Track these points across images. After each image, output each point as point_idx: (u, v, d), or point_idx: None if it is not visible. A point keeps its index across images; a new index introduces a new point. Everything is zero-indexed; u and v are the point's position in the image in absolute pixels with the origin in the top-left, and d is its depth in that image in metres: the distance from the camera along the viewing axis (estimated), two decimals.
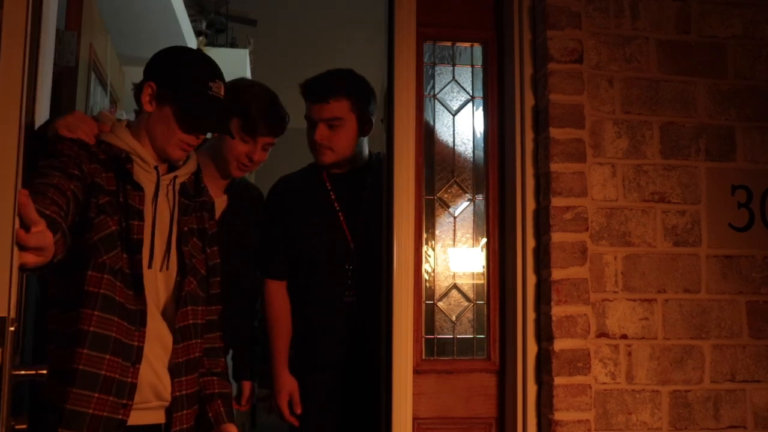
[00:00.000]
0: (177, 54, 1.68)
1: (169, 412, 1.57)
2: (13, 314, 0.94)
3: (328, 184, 2.25)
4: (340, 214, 2.22)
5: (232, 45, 6.04)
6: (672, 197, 2.02)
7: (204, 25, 5.80)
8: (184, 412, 1.59)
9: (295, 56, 6.48)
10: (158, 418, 1.57)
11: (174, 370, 1.57)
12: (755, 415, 1.97)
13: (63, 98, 2.21)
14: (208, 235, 1.72)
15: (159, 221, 1.59)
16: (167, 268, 1.59)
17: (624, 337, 1.95)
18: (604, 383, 1.92)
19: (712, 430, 1.95)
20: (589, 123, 2.00)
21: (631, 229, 1.99)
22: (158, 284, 1.58)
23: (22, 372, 1.01)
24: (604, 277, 1.96)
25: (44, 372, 1.07)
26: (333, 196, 2.23)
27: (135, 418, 1.50)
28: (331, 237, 2.20)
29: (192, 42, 4.79)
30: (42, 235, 1.08)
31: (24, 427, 0.99)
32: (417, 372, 2.01)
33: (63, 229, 1.24)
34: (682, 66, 2.07)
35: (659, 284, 1.98)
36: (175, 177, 1.64)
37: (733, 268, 2.02)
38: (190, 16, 4.89)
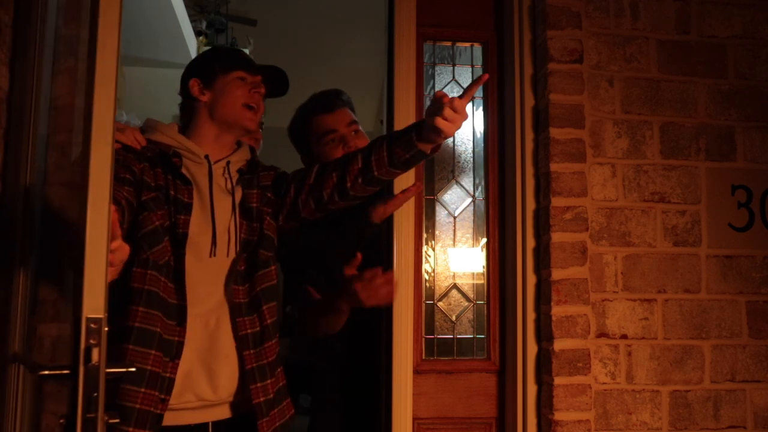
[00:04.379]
0: (201, 53, 1.81)
1: (244, 385, 1.55)
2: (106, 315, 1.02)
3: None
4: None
5: (232, 45, 6.04)
6: (672, 197, 2.02)
7: (204, 25, 5.80)
8: (259, 384, 1.55)
9: (295, 56, 6.49)
10: (200, 417, 1.55)
11: (243, 342, 1.55)
12: (755, 415, 1.97)
13: None
14: (269, 190, 1.72)
15: (219, 210, 1.60)
16: (234, 254, 1.59)
17: (624, 337, 1.95)
18: (604, 383, 1.92)
19: (712, 430, 1.95)
20: (589, 123, 2.00)
21: (631, 229, 1.99)
22: (224, 269, 1.58)
23: (114, 369, 1.07)
24: (604, 277, 1.96)
25: (133, 370, 1.14)
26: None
27: (174, 418, 1.50)
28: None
29: (192, 42, 4.80)
30: (122, 249, 1.11)
31: (117, 421, 1.06)
32: (417, 372, 2.01)
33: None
34: (682, 66, 2.07)
35: (659, 284, 1.98)
36: (228, 162, 1.66)
37: (733, 268, 2.02)
38: (190, 16, 4.89)
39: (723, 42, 2.10)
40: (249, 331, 1.56)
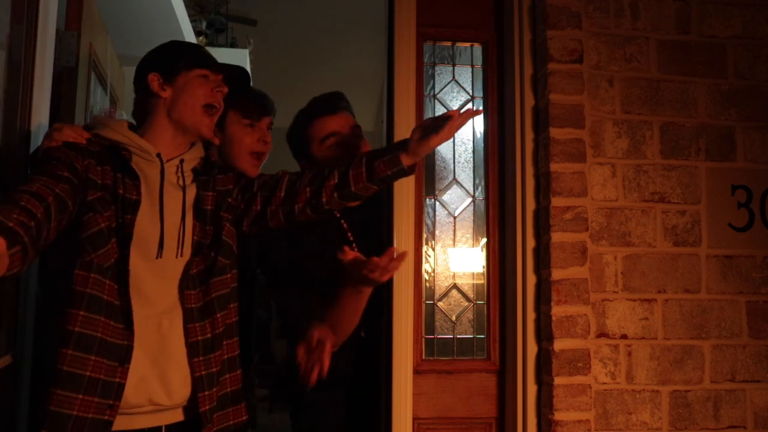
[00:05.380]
0: (160, 46, 1.71)
1: (194, 392, 1.51)
2: None
3: (337, 213, 2.00)
4: (354, 244, 1.99)
5: (232, 45, 6.05)
6: (672, 197, 2.02)
7: (204, 25, 5.81)
8: (206, 393, 1.52)
9: (295, 56, 6.49)
10: (154, 421, 1.52)
11: (193, 348, 1.51)
12: (755, 415, 1.97)
13: (63, 98, 2.20)
14: (226, 191, 1.67)
15: (169, 209, 1.55)
16: (181, 255, 1.54)
17: (624, 337, 1.95)
18: (604, 383, 1.92)
19: (712, 430, 1.95)
20: (589, 123, 2.00)
21: (631, 229, 1.99)
22: (176, 272, 1.53)
23: None
24: (604, 277, 1.96)
25: None
26: (345, 226, 2.01)
27: (126, 423, 1.47)
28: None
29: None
30: None
31: None
32: (417, 372, 2.01)
33: (23, 242, 1.21)
34: (682, 66, 2.07)
35: (659, 284, 1.98)
36: (182, 161, 1.61)
37: (733, 268, 2.02)
38: (190, 16, 4.89)
39: (723, 42, 2.10)
40: (199, 338, 1.52)
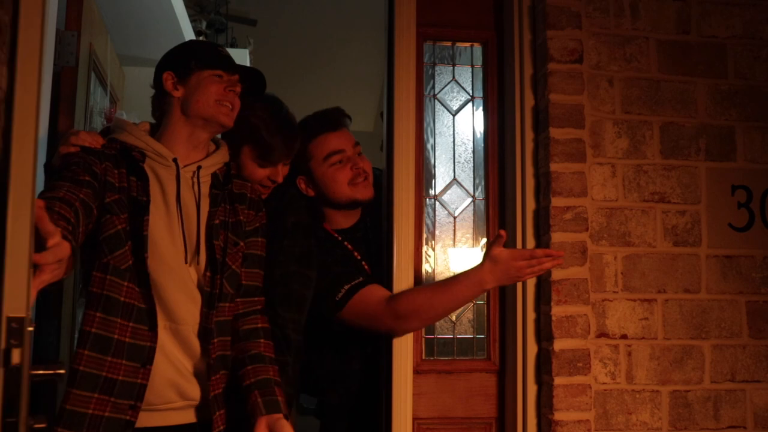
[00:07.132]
0: (177, 46, 1.72)
1: (207, 411, 1.52)
2: (30, 315, 0.97)
3: (338, 235, 1.99)
4: (363, 262, 1.99)
5: (232, 45, 6.04)
6: (672, 197, 2.02)
7: (204, 25, 5.80)
8: (220, 412, 1.53)
9: (295, 56, 6.49)
10: (187, 417, 1.54)
11: (211, 367, 1.52)
12: (755, 415, 1.97)
13: (63, 98, 2.20)
14: (245, 228, 1.65)
15: (186, 215, 1.55)
16: (197, 263, 1.55)
17: (624, 337, 1.95)
18: (604, 383, 1.92)
19: (712, 430, 1.95)
20: (589, 123, 2.00)
21: (631, 229, 1.99)
22: (193, 279, 1.54)
23: (41, 372, 1.03)
24: (604, 277, 1.96)
25: (62, 372, 1.08)
26: (350, 247, 1.99)
27: (161, 419, 1.49)
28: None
29: None
30: (59, 247, 1.05)
31: (43, 426, 1.01)
32: (417, 372, 2.01)
33: (73, 247, 1.22)
34: (682, 66, 2.07)
35: (659, 284, 1.98)
36: (199, 167, 1.60)
37: (733, 268, 2.02)
38: (190, 16, 4.89)
39: (723, 42, 2.10)
40: (217, 345, 1.55)
